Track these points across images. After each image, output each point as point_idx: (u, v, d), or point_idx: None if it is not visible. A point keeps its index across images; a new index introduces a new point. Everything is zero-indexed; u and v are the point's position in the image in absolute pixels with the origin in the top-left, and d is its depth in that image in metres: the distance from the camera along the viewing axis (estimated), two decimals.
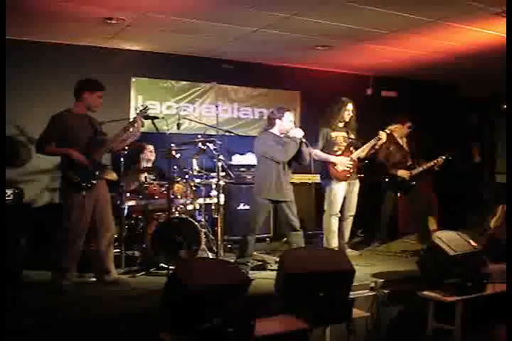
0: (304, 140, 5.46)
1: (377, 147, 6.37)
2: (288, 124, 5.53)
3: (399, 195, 7.06)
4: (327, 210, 6.26)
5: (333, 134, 6.27)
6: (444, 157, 6.89)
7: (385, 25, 6.08)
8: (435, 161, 6.92)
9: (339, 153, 6.27)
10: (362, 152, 6.31)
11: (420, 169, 6.98)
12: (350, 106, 6.25)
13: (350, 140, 6.32)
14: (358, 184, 6.41)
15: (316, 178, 6.69)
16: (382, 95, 9.07)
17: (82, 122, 4.89)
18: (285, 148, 5.38)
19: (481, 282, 4.79)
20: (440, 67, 8.03)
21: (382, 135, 6.25)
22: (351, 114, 6.28)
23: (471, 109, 9.54)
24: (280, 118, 5.52)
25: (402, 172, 6.98)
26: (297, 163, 5.62)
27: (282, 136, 5.53)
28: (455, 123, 9.08)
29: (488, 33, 6.20)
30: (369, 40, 6.68)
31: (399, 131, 7.21)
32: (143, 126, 5.13)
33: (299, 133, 5.43)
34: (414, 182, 6.98)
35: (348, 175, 6.23)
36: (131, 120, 5.12)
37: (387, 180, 7.07)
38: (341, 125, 6.31)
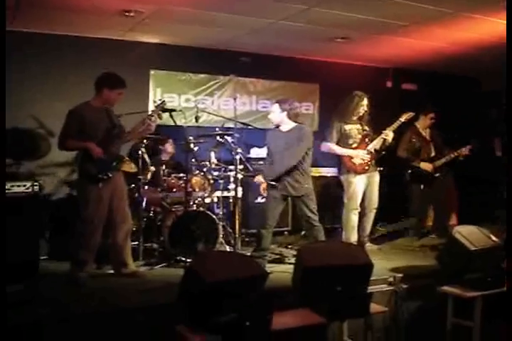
0: None
1: (387, 144, 6.26)
2: (274, 117, 5.47)
3: (422, 187, 6.99)
4: (346, 205, 6.21)
5: (347, 127, 6.20)
6: (468, 147, 6.78)
7: (405, 17, 6.01)
8: (459, 151, 6.81)
9: (355, 145, 6.20)
10: (377, 144, 6.23)
11: (443, 160, 6.89)
12: (365, 101, 6.18)
13: (364, 132, 6.25)
14: (377, 176, 6.34)
15: (333, 172, 6.65)
16: (402, 88, 8.99)
17: (99, 115, 4.89)
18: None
19: (502, 277, 4.72)
20: (461, 59, 7.93)
21: (389, 134, 6.16)
22: (366, 109, 6.22)
23: (492, 103, 9.41)
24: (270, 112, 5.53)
25: (425, 165, 6.90)
26: None
27: (290, 131, 5.46)
28: (475, 116, 8.96)
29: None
30: (389, 32, 6.61)
31: (422, 122, 7.13)
32: (160, 119, 5.13)
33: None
34: (438, 174, 6.90)
35: (367, 168, 6.17)
36: (149, 113, 5.12)
37: (410, 172, 7.01)
38: (355, 118, 6.25)
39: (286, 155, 5.32)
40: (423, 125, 7.15)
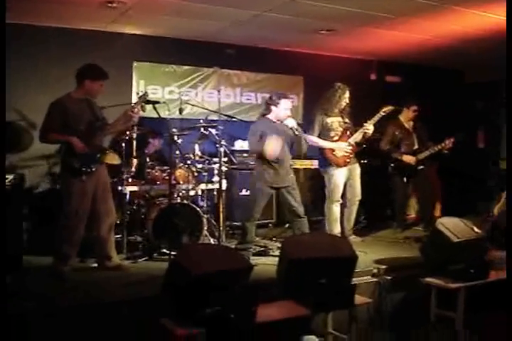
0: (296, 129, 5.40)
1: (367, 137, 6.25)
2: (282, 112, 5.45)
3: (405, 180, 7.02)
4: (328, 197, 6.22)
5: (329, 120, 6.19)
6: (452, 139, 6.80)
7: (390, 9, 6.01)
8: (443, 144, 6.82)
9: (336, 138, 6.20)
10: (357, 137, 6.22)
11: (427, 153, 6.89)
12: (347, 94, 6.18)
13: (346, 124, 6.25)
14: (358, 168, 6.35)
15: (316, 164, 6.65)
16: (386, 80, 9.00)
17: (81, 107, 4.84)
18: (265, 146, 5.28)
19: (484, 269, 4.77)
20: (445, 52, 7.96)
21: (368, 127, 6.16)
22: (347, 101, 6.21)
23: (476, 95, 9.47)
24: (276, 105, 5.46)
25: (407, 158, 6.92)
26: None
27: (278, 122, 5.48)
28: (459, 108, 9.02)
29: (495, 17, 6.13)
30: (373, 24, 6.61)
31: (405, 114, 7.14)
32: (144, 111, 5.08)
33: (291, 123, 5.39)
34: (422, 167, 6.93)
35: (348, 160, 6.18)
36: (131, 105, 5.08)
37: (392, 165, 7.03)
38: (336, 110, 6.24)
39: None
40: (406, 117, 7.15)
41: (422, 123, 7.22)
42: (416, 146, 7.04)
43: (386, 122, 6.84)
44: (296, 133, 5.38)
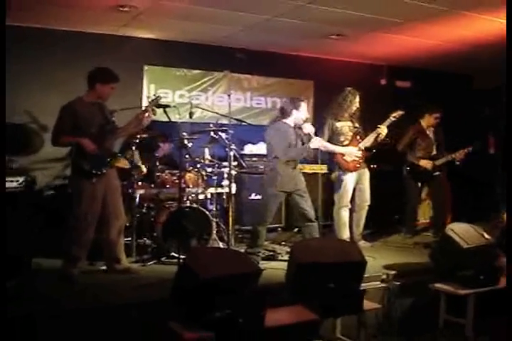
0: (314, 135, 5.42)
1: (379, 140, 6.24)
2: (304, 115, 5.49)
3: (419, 184, 7.01)
4: (337, 202, 6.22)
5: (339, 124, 6.20)
6: (470, 148, 6.78)
7: (400, 15, 6.01)
8: (459, 152, 6.83)
9: (346, 143, 6.21)
10: (368, 142, 6.23)
11: (445, 159, 6.90)
12: (358, 98, 6.18)
13: (356, 129, 6.25)
14: (367, 173, 6.35)
15: (326, 169, 6.66)
16: (396, 85, 8.99)
17: (93, 110, 4.87)
18: (290, 151, 5.37)
19: (494, 275, 4.74)
20: (455, 57, 7.94)
21: (382, 129, 6.15)
22: (358, 106, 6.22)
23: (486, 100, 9.43)
24: (297, 109, 5.46)
25: (424, 162, 6.91)
26: None
27: (294, 126, 5.50)
28: (469, 114, 8.98)
29: (505, 22, 6.09)
30: (384, 29, 6.61)
31: (426, 120, 7.12)
32: (154, 114, 5.11)
33: (309, 128, 5.41)
34: (438, 173, 6.92)
35: (358, 165, 6.18)
36: (142, 109, 5.10)
37: (408, 168, 7.02)
38: (346, 115, 6.24)
39: (297, 148, 5.46)
40: (427, 123, 7.12)
41: (441, 130, 7.20)
42: (434, 152, 7.03)
43: (407, 125, 6.90)
44: (312, 136, 5.42)
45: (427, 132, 7.13)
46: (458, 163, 6.87)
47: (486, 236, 5.00)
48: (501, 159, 8.93)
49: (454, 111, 8.35)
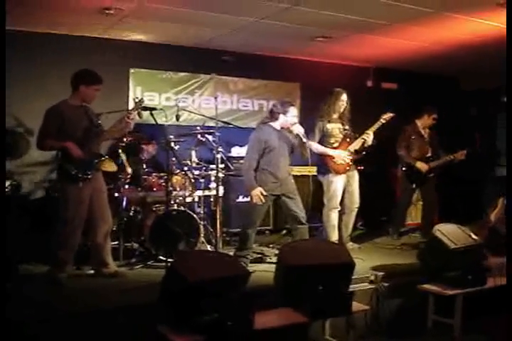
0: (303, 135, 5.42)
1: (366, 145, 6.24)
2: (292, 119, 5.47)
3: (414, 186, 7.03)
4: (327, 204, 6.21)
5: (329, 126, 6.20)
6: (465, 151, 6.82)
7: (386, 16, 6.02)
8: (455, 155, 6.85)
9: (336, 145, 6.21)
10: (357, 145, 6.24)
11: (440, 162, 6.94)
12: (344, 97, 6.17)
13: (345, 131, 6.25)
14: (356, 175, 6.35)
15: (315, 171, 6.65)
16: (382, 87, 9.02)
17: (78, 113, 4.84)
18: (247, 170, 5.35)
19: (482, 275, 4.76)
20: (441, 58, 7.98)
21: (368, 136, 6.17)
22: (345, 105, 6.21)
23: (472, 101, 9.50)
24: (284, 113, 5.44)
25: (421, 165, 6.93)
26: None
27: (281, 129, 5.49)
28: (456, 115, 9.03)
29: (491, 24, 6.15)
30: (370, 31, 6.63)
31: (423, 121, 7.14)
32: (140, 117, 5.09)
33: (298, 129, 5.41)
34: (432, 175, 6.96)
35: (348, 168, 6.19)
36: (127, 111, 5.09)
37: (404, 169, 7.04)
38: (336, 116, 6.23)
39: (283, 151, 5.44)
40: (424, 124, 7.14)
41: (436, 132, 7.23)
42: (429, 154, 7.05)
43: (403, 126, 6.94)
44: (304, 140, 5.42)
45: (422, 132, 7.15)
46: (456, 162, 6.91)
47: (474, 236, 5.02)
48: (488, 158, 9.03)
49: (441, 112, 8.41)
